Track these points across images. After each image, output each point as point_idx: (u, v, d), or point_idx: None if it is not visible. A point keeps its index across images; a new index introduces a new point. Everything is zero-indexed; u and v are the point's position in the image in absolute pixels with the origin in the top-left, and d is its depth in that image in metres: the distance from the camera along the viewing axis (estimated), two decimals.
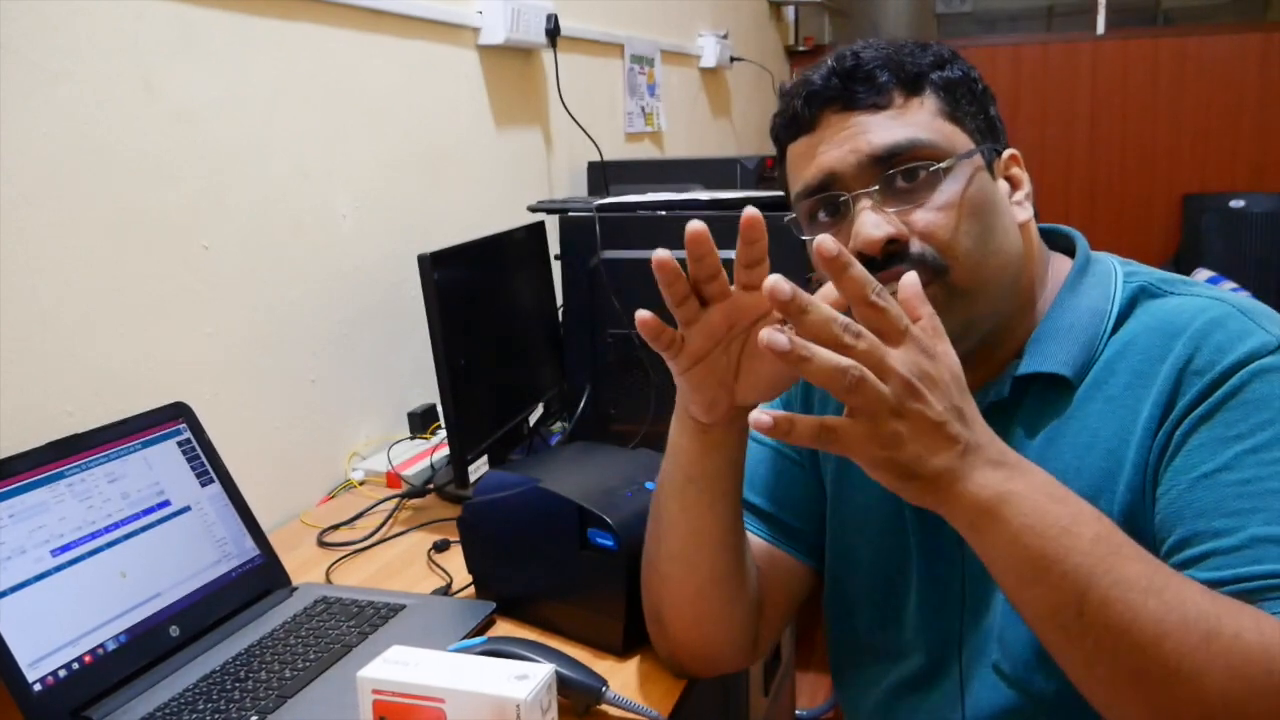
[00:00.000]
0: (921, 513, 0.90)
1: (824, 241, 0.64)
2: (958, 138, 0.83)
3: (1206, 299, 0.81)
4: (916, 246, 0.81)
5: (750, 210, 0.71)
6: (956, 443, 0.66)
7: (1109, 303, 0.85)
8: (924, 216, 0.81)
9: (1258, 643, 0.63)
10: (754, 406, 0.79)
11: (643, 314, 0.74)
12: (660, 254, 0.73)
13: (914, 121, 0.82)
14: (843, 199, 0.83)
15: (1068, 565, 0.65)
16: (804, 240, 0.88)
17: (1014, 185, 0.88)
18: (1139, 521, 0.78)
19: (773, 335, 0.62)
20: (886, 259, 0.81)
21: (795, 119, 0.86)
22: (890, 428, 0.65)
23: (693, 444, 0.83)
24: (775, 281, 0.63)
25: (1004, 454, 0.69)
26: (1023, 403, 0.85)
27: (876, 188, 0.81)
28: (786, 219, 0.90)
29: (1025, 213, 0.87)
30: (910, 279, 0.71)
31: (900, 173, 0.81)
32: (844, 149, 0.82)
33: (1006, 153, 0.88)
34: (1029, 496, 0.67)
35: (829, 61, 0.85)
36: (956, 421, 0.67)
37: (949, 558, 0.90)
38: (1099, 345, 0.83)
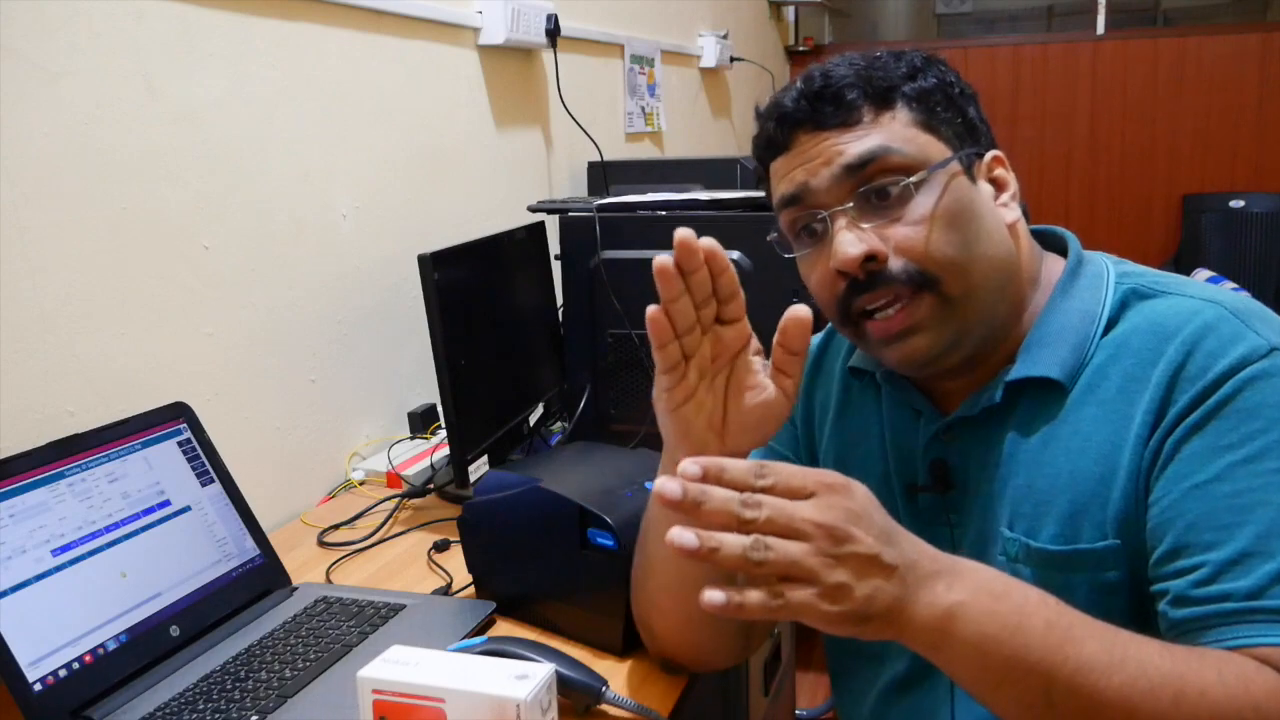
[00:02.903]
0: (915, 519, 0.90)
1: (663, 488, 0.61)
2: (932, 147, 0.82)
3: (1199, 300, 0.80)
4: (897, 263, 0.80)
5: (706, 242, 0.68)
6: (894, 570, 0.64)
7: (1100, 305, 0.84)
8: (900, 232, 0.81)
9: (1224, 695, 0.64)
10: (745, 453, 0.78)
11: (654, 312, 0.71)
12: (662, 261, 0.69)
13: (884, 134, 0.82)
14: (820, 217, 0.83)
15: (1029, 663, 0.65)
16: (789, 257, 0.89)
17: (999, 187, 0.87)
18: (1132, 529, 0.78)
19: (680, 535, 0.60)
20: (869, 276, 0.81)
21: (771, 141, 0.87)
22: (833, 580, 0.61)
23: None
24: (662, 484, 0.61)
25: (935, 560, 0.67)
26: (1016, 407, 0.85)
27: (851, 205, 0.81)
28: (769, 237, 0.90)
29: (1012, 214, 0.86)
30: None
31: (874, 190, 0.81)
32: (815, 163, 0.83)
33: (989, 155, 0.87)
34: (974, 603, 0.66)
35: (799, 83, 0.85)
36: (888, 547, 0.64)
37: None
38: (1089, 348, 0.83)
